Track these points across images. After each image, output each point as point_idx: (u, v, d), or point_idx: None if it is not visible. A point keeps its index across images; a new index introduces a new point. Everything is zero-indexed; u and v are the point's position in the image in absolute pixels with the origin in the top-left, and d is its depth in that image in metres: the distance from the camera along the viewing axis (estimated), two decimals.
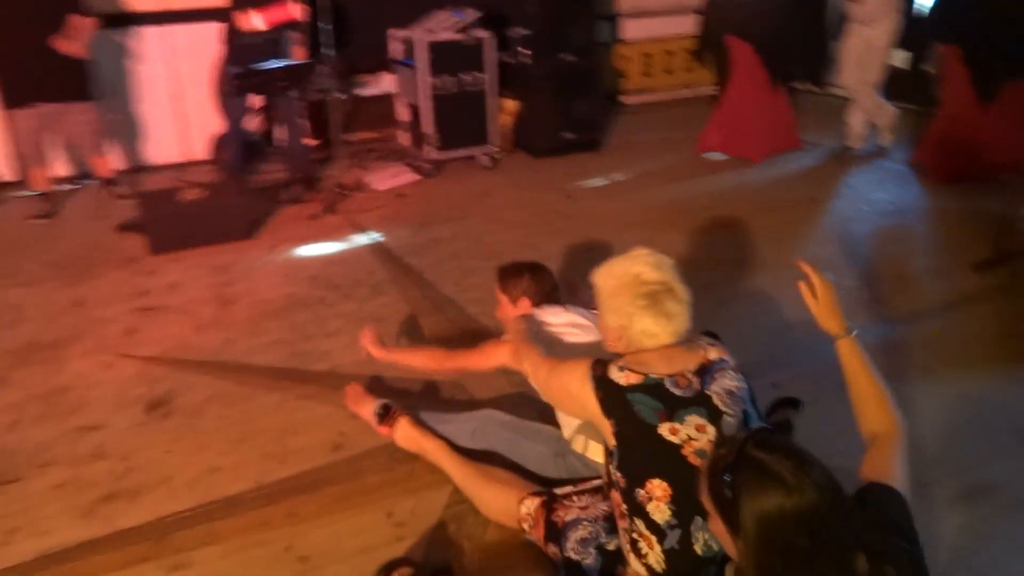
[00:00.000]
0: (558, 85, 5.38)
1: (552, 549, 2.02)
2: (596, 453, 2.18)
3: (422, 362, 2.73)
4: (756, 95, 5.31)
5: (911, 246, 4.25)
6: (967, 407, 2.78)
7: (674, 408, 1.73)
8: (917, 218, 4.64)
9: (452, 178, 5.19)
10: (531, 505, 2.12)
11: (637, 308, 1.81)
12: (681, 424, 1.72)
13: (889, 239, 4.31)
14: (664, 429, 1.72)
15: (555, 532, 2.02)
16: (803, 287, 1.88)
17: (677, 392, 1.75)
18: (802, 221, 4.55)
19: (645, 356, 1.81)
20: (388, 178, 5.13)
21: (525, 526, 2.13)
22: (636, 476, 1.74)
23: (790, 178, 5.22)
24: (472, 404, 2.74)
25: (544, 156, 5.50)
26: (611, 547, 1.90)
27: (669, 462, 1.71)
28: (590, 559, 1.91)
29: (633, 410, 1.74)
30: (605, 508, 2.00)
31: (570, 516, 2.02)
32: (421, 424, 2.51)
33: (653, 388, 1.76)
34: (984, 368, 3.04)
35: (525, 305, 2.52)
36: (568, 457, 2.28)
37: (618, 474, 1.79)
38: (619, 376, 1.79)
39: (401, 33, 5.28)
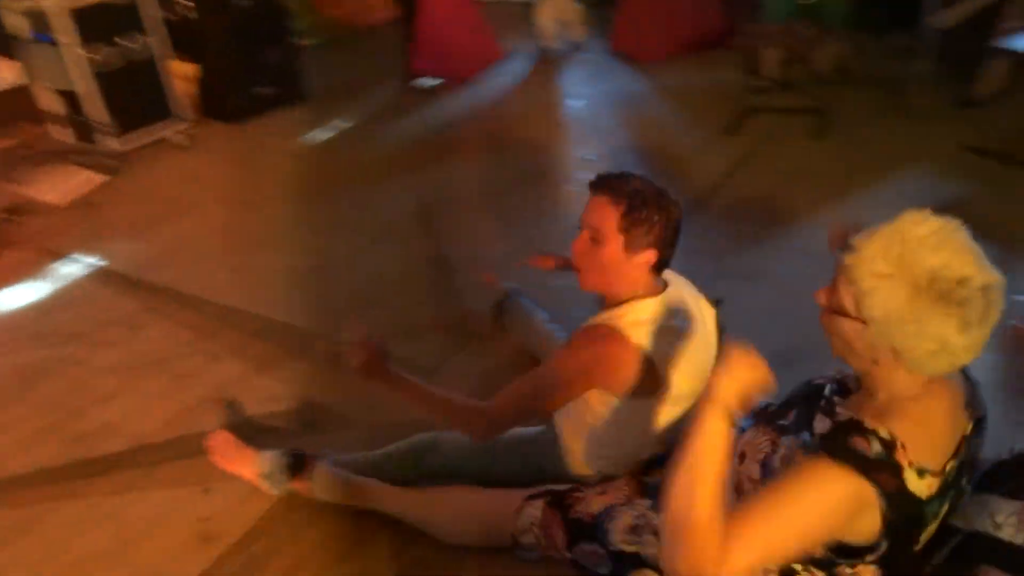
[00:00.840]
0: (237, 36, 4.59)
1: (586, 549, 1.69)
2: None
3: (446, 414, 1.79)
4: (452, 10, 5.05)
5: (663, 125, 4.39)
6: None
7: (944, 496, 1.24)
8: (649, 100, 4.80)
9: (147, 168, 4.22)
10: (534, 512, 1.75)
11: (951, 321, 1.14)
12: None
13: (640, 124, 4.41)
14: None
15: (585, 529, 1.69)
16: None
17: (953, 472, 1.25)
18: (553, 125, 4.48)
19: (922, 412, 1.22)
20: (61, 186, 4.02)
21: (526, 540, 1.76)
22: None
23: (512, 88, 5.12)
24: (388, 430, 2.16)
25: (242, 120, 4.72)
26: None
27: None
28: (654, 547, 1.60)
29: (923, 520, 1.23)
30: (625, 488, 1.73)
31: (596, 507, 1.70)
32: (339, 466, 1.97)
33: (947, 486, 1.23)
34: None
35: (645, 261, 1.66)
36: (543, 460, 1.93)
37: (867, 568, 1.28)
38: (921, 485, 1.18)
39: (22, 4, 4.05)
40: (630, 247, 1.64)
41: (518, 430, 1.93)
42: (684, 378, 1.68)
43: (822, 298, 1.28)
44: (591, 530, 1.69)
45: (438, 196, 3.66)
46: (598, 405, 1.74)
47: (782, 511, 1.14)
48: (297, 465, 1.97)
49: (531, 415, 1.76)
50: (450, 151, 4.14)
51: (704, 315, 1.80)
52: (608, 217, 1.63)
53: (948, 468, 1.21)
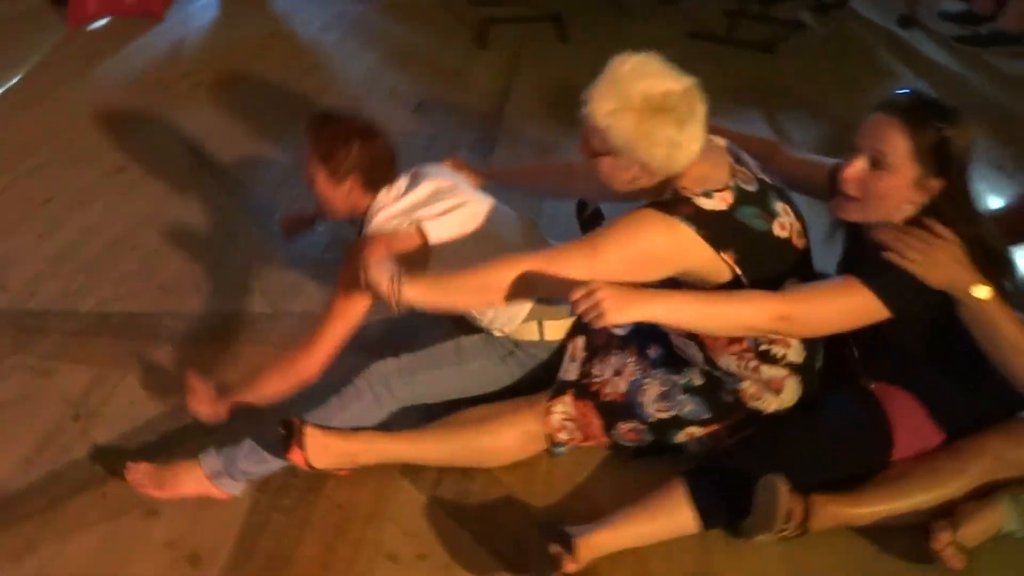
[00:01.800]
0: None
1: (625, 428, 1.77)
2: (555, 332, 1.90)
3: (284, 379, 1.84)
4: None
5: (415, 45, 4.27)
6: None
7: (764, 205, 1.61)
8: (382, 20, 4.61)
9: None
10: (565, 407, 1.78)
11: (670, 125, 1.52)
12: (777, 216, 1.62)
13: (389, 47, 4.24)
14: (775, 228, 1.60)
15: (620, 410, 1.79)
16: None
17: (752, 189, 1.62)
18: (292, 55, 4.13)
19: (698, 173, 1.59)
20: None
21: (563, 436, 1.78)
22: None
23: (217, 19, 4.56)
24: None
25: None
26: (698, 381, 1.74)
27: (788, 258, 1.63)
28: (689, 404, 1.73)
29: (747, 227, 1.57)
30: (631, 356, 1.83)
31: (622, 386, 1.79)
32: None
33: (744, 196, 1.59)
34: None
35: (356, 188, 1.88)
36: (516, 353, 1.90)
37: None
38: (712, 203, 1.55)
39: None
40: None
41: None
42: None
43: (583, 153, 1.63)
44: (626, 409, 1.77)
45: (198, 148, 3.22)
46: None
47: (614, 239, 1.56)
48: (291, 434, 1.71)
49: (344, 335, 1.82)
50: (186, 96, 3.62)
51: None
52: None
53: (733, 185, 1.57)
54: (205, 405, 1.85)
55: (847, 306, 1.54)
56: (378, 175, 1.88)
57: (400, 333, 2.24)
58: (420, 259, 1.82)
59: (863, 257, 1.61)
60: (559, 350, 1.90)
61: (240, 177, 3.01)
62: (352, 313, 1.80)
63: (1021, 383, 1.53)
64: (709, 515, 1.63)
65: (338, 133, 1.85)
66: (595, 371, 1.83)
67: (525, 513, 1.77)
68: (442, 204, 1.87)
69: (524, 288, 1.59)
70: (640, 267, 1.56)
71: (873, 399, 1.70)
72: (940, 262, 1.47)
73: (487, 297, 1.64)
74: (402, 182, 1.92)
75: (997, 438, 1.67)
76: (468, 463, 1.83)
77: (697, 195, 1.55)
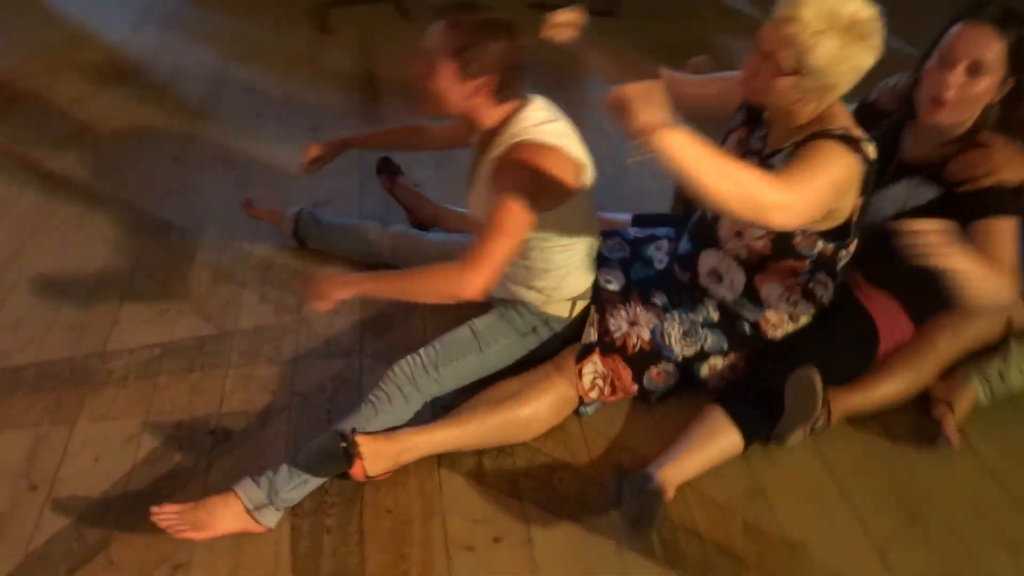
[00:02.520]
0: None
1: (654, 372, 1.84)
2: (581, 309, 1.92)
3: (440, 289, 1.65)
4: None
5: (251, 37, 3.98)
6: None
7: None
8: (197, 12, 4.24)
9: None
10: (594, 367, 1.82)
11: (867, 53, 1.51)
12: None
13: (223, 41, 3.91)
14: None
15: (649, 356, 1.84)
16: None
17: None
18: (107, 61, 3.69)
19: (842, 111, 1.62)
20: None
21: (593, 395, 1.81)
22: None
23: None
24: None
25: None
26: (715, 315, 1.83)
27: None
28: (711, 337, 1.82)
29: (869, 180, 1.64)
30: (638, 306, 1.88)
31: (645, 334, 1.84)
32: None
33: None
34: None
35: (485, 91, 1.66)
36: (540, 330, 1.90)
37: (841, 248, 1.74)
38: (871, 151, 1.60)
39: None
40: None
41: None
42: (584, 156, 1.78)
43: (750, 68, 1.58)
44: (654, 354, 1.83)
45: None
46: (534, 238, 1.76)
47: (817, 171, 1.49)
48: (351, 450, 1.58)
49: (511, 253, 1.63)
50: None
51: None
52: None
53: (866, 137, 1.61)
54: (330, 290, 1.64)
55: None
56: (511, 84, 1.67)
57: (371, 331, 2.14)
58: (573, 189, 1.70)
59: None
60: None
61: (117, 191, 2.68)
62: (520, 227, 1.61)
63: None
64: (750, 430, 1.74)
65: (482, 25, 1.62)
66: (611, 327, 1.86)
67: (578, 474, 1.78)
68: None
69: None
70: (827, 197, 1.53)
71: (860, 306, 1.89)
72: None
73: (726, 192, 1.35)
74: (539, 103, 1.74)
75: (952, 317, 1.92)
76: (507, 439, 1.79)
77: (864, 139, 1.58)
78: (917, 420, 1.88)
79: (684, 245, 1.95)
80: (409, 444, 1.69)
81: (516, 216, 1.59)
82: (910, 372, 1.87)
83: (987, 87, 1.62)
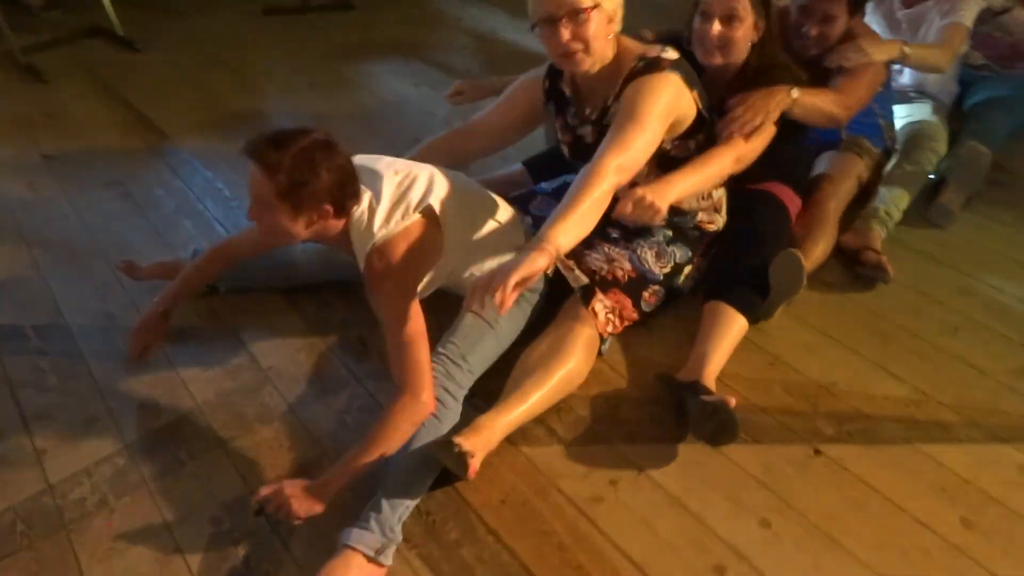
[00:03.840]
0: None
1: (647, 295, 1.98)
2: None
3: (406, 430, 1.61)
4: None
5: None
6: None
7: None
8: None
9: None
10: (602, 303, 1.92)
11: None
12: None
13: None
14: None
15: (638, 282, 1.98)
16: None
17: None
18: None
19: (626, 43, 1.84)
20: None
21: (609, 329, 1.92)
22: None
23: None
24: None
25: None
26: (669, 232, 2.03)
27: (709, 88, 1.97)
28: (677, 251, 2.03)
29: (691, 68, 1.87)
30: (604, 244, 2.00)
31: (626, 264, 1.98)
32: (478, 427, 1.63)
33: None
34: None
35: (327, 216, 1.61)
36: (527, 295, 1.92)
37: (712, 133, 1.95)
38: (671, 54, 1.80)
39: None
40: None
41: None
42: None
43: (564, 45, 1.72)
44: (641, 279, 1.98)
45: None
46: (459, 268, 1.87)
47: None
48: (464, 451, 1.52)
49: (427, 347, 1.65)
50: None
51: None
52: None
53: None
54: (303, 504, 1.48)
55: (767, 136, 2.00)
56: (348, 197, 1.62)
57: (351, 358, 2.00)
58: (439, 241, 1.72)
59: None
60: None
61: None
62: (420, 321, 1.62)
63: (837, 125, 2.20)
64: (750, 310, 1.96)
65: (300, 160, 1.52)
66: (594, 267, 1.95)
67: (634, 400, 1.87)
68: (417, 183, 1.73)
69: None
70: (666, 122, 1.75)
71: (767, 193, 2.20)
72: (772, 102, 1.98)
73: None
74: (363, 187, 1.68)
75: (828, 183, 2.33)
76: (561, 395, 1.80)
77: (659, 52, 1.78)
78: (847, 272, 2.26)
79: None
80: (491, 430, 1.64)
81: (413, 317, 1.61)
82: (825, 234, 2.23)
83: (745, 30, 1.97)
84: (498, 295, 1.42)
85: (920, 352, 2.01)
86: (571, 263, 1.95)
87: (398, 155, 1.87)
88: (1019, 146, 2.72)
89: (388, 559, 1.48)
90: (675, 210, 1.97)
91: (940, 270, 2.30)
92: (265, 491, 1.50)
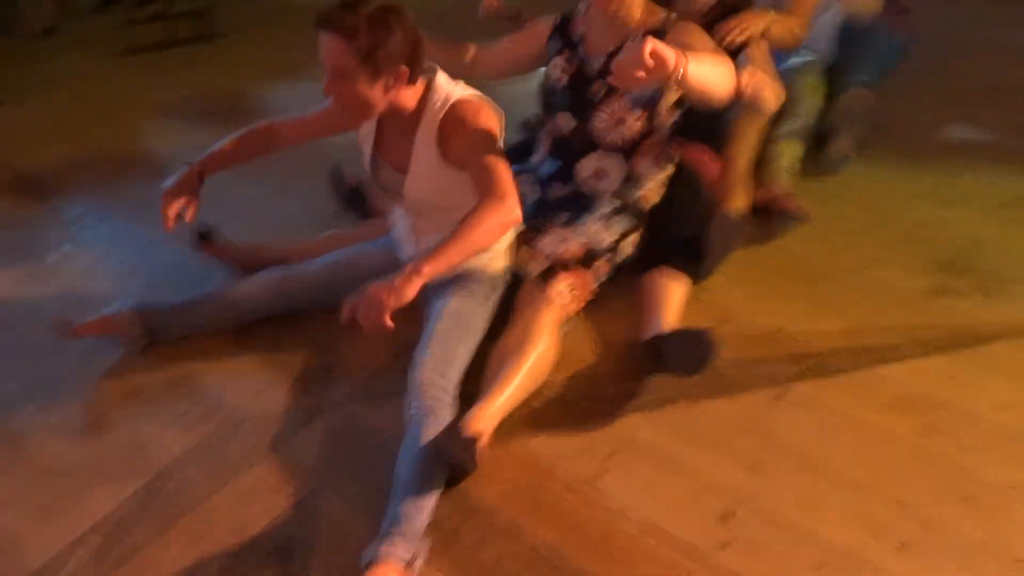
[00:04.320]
0: None
1: (599, 264, 2.04)
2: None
3: (496, 230, 1.68)
4: None
5: None
6: None
7: None
8: None
9: None
10: (564, 282, 1.96)
11: None
12: None
13: None
14: None
15: (591, 255, 2.02)
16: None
17: None
18: None
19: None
20: None
21: (573, 307, 1.98)
22: None
23: None
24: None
25: None
26: (609, 207, 2.12)
27: None
28: (620, 221, 2.10)
29: None
30: (555, 226, 2.05)
31: (578, 239, 2.03)
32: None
33: None
34: None
35: (401, 81, 1.69)
36: (497, 287, 1.97)
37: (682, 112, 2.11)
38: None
39: None
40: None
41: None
42: None
43: None
44: (593, 251, 2.04)
45: None
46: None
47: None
48: (472, 443, 1.55)
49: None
50: None
51: None
52: None
53: None
54: (390, 300, 1.48)
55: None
56: (420, 62, 1.68)
57: (319, 385, 1.96)
58: (500, 140, 1.76)
59: None
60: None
61: None
62: (503, 156, 1.69)
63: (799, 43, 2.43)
64: (692, 272, 2.10)
65: (375, 21, 1.57)
66: (548, 251, 2.00)
67: (609, 371, 1.95)
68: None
69: None
70: None
71: (685, 158, 2.32)
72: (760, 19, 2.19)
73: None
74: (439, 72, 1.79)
75: (735, 142, 2.48)
76: (540, 379, 1.84)
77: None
78: (765, 226, 2.40)
79: (550, 166, 2.17)
80: (481, 421, 1.67)
81: (498, 150, 1.68)
82: (742, 190, 2.38)
83: None
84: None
85: (848, 286, 2.18)
86: (525, 252, 1.99)
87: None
88: (889, 87, 2.99)
89: (418, 566, 1.47)
90: (630, 177, 2.11)
91: (847, 210, 2.50)
92: (347, 307, 1.51)
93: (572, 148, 2.12)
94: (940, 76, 3.34)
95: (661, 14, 2.01)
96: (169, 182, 1.84)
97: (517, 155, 2.35)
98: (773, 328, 2.04)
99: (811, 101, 2.72)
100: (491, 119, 1.74)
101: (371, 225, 2.27)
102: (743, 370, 1.92)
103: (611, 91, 2.03)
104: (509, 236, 1.97)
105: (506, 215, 1.61)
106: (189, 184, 1.85)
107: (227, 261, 2.25)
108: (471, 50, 2.19)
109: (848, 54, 3.02)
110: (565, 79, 2.10)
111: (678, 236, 2.12)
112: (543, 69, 2.18)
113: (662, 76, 1.49)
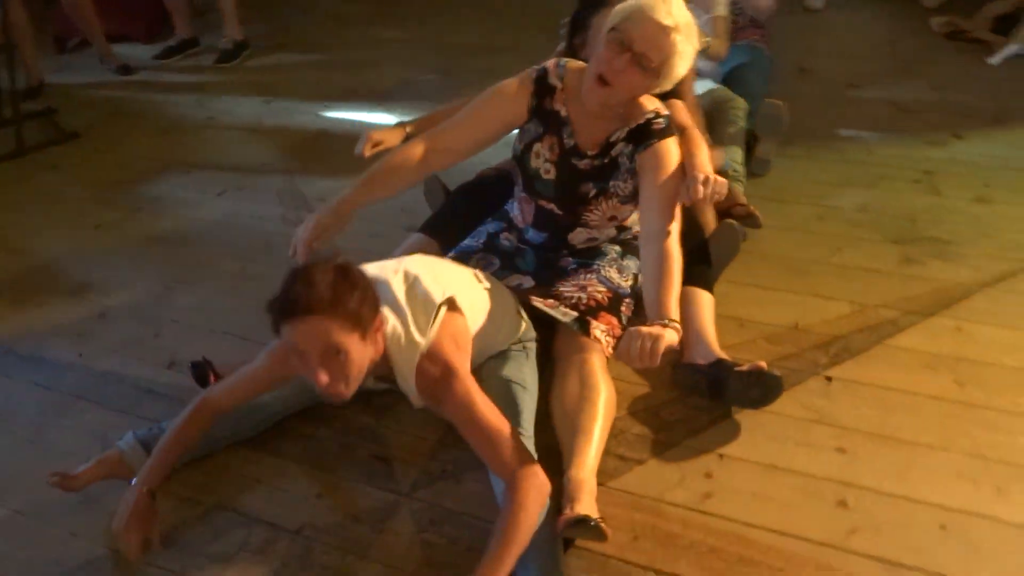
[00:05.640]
0: None
1: (624, 309, 2.05)
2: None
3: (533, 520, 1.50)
4: None
5: None
6: None
7: None
8: None
9: None
10: (598, 328, 1.94)
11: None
12: None
13: None
14: None
15: (615, 301, 2.02)
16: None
17: None
18: None
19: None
20: None
21: (609, 351, 1.96)
22: None
23: None
24: None
25: None
26: (617, 249, 2.15)
27: None
28: (630, 263, 2.12)
29: None
30: (569, 277, 2.05)
31: (600, 288, 2.02)
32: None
33: None
34: None
35: (378, 331, 1.55)
36: (528, 346, 1.95)
37: None
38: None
39: None
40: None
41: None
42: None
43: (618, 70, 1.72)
44: (616, 297, 2.04)
45: None
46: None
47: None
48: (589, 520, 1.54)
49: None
50: None
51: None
52: None
53: None
54: None
55: None
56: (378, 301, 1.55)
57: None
58: (466, 325, 1.70)
59: None
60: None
61: None
62: (494, 409, 1.57)
63: None
64: (709, 284, 2.16)
65: (340, 282, 1.44)
66: (573, 299, 1.98)
67: (667, 399, 1.97)
68: (420, 278, 1.67)
69: None
70: None
71: None
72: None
73: None
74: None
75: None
76: (611, 421, 1.82)
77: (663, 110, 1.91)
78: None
79: (536, 235, 2.12)
80: (587, 483, 1.63)
81: (486, 403, 1.56)
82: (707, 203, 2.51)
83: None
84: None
85: (828, 274, 2.37)
86: (552, 302, 1.98)
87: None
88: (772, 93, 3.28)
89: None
90: (620, 227, 2.11)
91: (793, 206, 2.72)
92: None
93: (559, 225, 2.08)
94: (804, 78, 3.72)
95: (650, 105, 1.88)
96: (119, 518, 1.62)
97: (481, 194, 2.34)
98: (789, 324, 2.17)
99: (734, 108, 2.91)
100: (461, 357, 1.62)
101: None
102: (782, 366, 2.01)
103: (601, 192, 1.96)
104: (514, 304, 1.94)
105: (542, 492, 1.49)
106: (145, 509, 1.63)
107: None
108: (419, 148, 1.92)
109: (735, 74, 3.31)
110: (552, 172, 1.96)
111: (683, 255, 2.20)
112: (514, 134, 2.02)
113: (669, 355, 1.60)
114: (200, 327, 2.34)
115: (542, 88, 1.92)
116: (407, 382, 1.59)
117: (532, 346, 1.94)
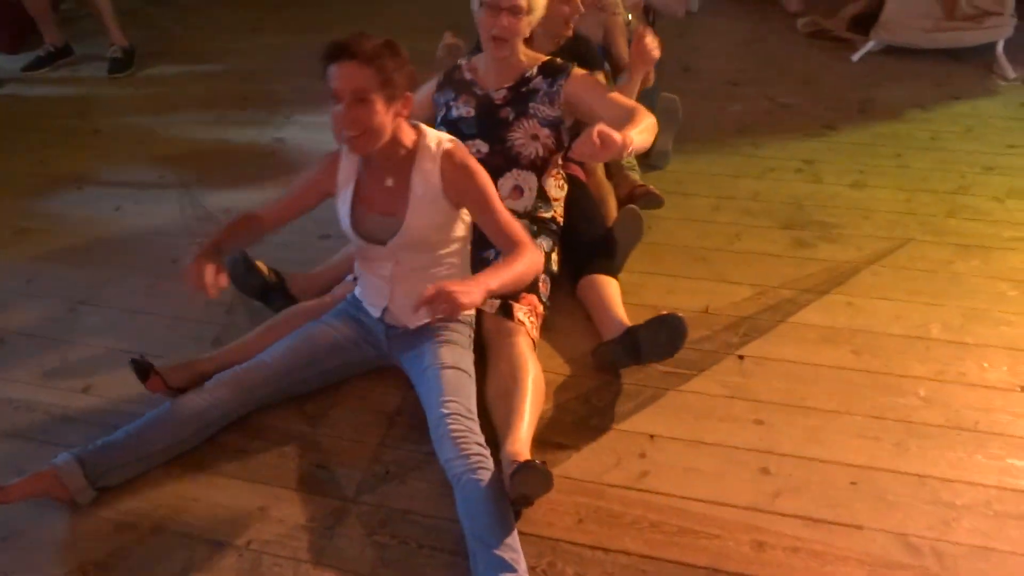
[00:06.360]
0: None
1: (541, 286, 2.17)
2: None
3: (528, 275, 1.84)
4: None
5: None
6: None
7: None
8: None
9: None
10: (523, 309, 2.07)
11: None
12: None
13: None
14: None
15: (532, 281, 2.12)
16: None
17: None
18: None
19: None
20: None
21: (534, 332, 2.10)
22: None
23: None
24: None
25: None
26: (534, 227, 2.25)
27: None
28: (544, 241, 2.25)
29: None
30: (489, 257, 2.12)
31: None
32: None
33: None
34: None
35: (404, 109, 1.78)
36: (471, 332, 2.02)
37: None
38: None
39: None
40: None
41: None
42: None
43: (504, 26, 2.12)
44: (535, 282, 2.15)
45: None
46: (461, 240, 1.98)
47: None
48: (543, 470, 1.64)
49: None
50: None
51: None
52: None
53: None
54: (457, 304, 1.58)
55: None
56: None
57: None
58: None
59: None
60: None
61: None
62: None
63: None
64: (616, 271, 2.31)
65: (390, 49, 1.68)
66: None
67: (597, 383, 2.06)
68: None
69: None
70: None
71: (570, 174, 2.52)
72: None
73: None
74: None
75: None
76: (541, 405, 1.90)
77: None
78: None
79: None
80: (524, 454, 1.70)
81: (496, 192, 1.84)
82: (609, 191, 2.64)
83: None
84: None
85: (729, 261, 2.53)
86: None
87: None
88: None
89: None
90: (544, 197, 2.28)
91: (692, 198, 2.87)
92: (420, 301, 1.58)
93: (488, 168, 2.17)
94: (688, 77, 3.92)
95: (543, 57, 2.29)
96: (193, 259, 1.75)
97: None
98: (700, 309, 2.30)
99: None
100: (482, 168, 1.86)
101: (300, 309, 2.14)
102: (698, 349, 2.15)
103: (520, 113, 2.24)
104: None
105: (540, 261, 1.86)
106: (209, 255, 1.76)
107: (171, 392, 1.97)
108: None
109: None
110: (472, 111, 2.28)
111: (588, 244, 2.31)
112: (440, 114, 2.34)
113: (617, 153, 1.85)
114: (113, 348, 2.25)
115: (447, 72, 2.37)
116: (428, 179, 1.80)
117: (472, 331, 2.00)
